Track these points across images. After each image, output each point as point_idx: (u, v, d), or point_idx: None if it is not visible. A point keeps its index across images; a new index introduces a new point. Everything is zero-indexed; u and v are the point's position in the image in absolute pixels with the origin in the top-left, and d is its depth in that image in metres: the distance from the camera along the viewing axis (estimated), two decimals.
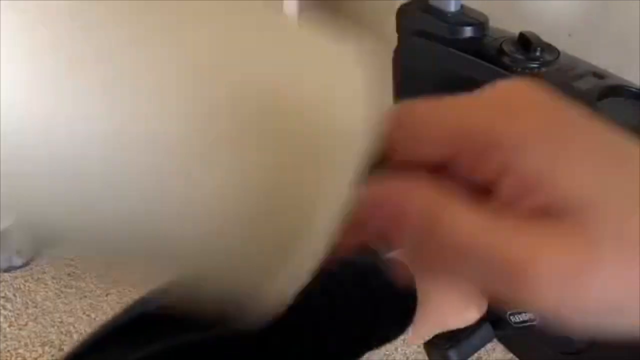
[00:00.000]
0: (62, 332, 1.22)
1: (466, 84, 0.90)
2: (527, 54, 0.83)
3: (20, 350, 1.20)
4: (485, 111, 0.17)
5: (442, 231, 0.16)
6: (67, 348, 1.20)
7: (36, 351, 1.20)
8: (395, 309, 0.38)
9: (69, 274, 1.34)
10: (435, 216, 0.16)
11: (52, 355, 1.19)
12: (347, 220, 0.16)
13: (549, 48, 0.84)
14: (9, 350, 1.20)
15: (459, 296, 0.45)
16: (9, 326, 1.24)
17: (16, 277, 1.33)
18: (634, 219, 0.16)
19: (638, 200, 0.16)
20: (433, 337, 0.59)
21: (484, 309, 0.48)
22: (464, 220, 0.16)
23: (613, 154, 0.17)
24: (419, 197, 0.17)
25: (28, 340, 1.22)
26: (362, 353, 0.36)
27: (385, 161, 0.18)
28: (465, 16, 0.91)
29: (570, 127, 0.17)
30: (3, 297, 1.29)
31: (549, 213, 0.16)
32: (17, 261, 1.34)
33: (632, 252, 0.15)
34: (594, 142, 0.17)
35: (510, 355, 1.13)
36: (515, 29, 0.87)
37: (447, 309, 0.45)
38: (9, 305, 1.28)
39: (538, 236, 0.16)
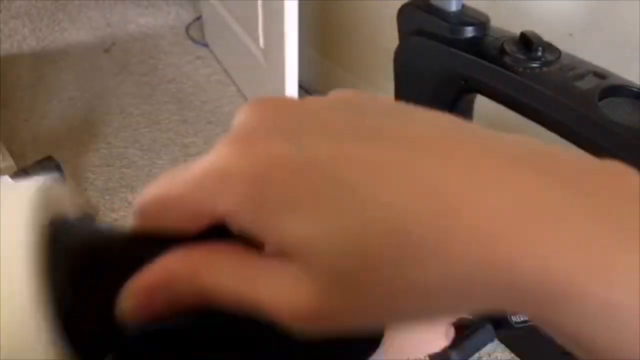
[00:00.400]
0: None
1: (467, 83, 0.90)
2: (528, 54, 0.83)
3: None
4: (202, 190, 0.18)
5: (208, 290, 0.18)
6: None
7: None
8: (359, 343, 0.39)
9: None
10: (200, 278, 0.18)
11: None
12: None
13: (550, 48, 0.84)
14: None
15: (426, 327, 0.46)
16: None
17: None
18: (351, 251, 0.16)
19: (353, 231, 0.16)
20: None
21: (451, 336, 0.50)
22: (224, 276, 0.18)
23: (320, 190, 0.17)
24: (182, 263, 0.18)
25: None
26: None
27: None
28: (466, 16, 0.90)
29: (269, 181, 0.17)
30: None
31: (286, 255, 0.17)
32: None
33: (360, 285, 0.16)
34: (296, 187, 0.17)
35: (511, 355, 1.13)
36: (516, 29, 0.87)
37: (415, 340, 0.46)
38: None
39: (274, 275, 0.17)
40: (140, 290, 0.18)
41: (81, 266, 0.19)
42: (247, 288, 0.17)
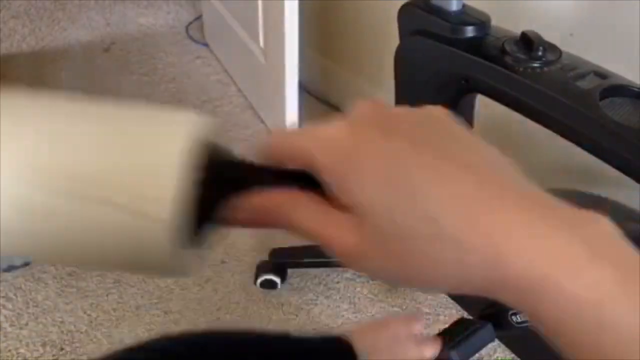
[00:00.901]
0: (62, 332, 1.22)
1: (468, 83, 0.90)
2: (529, 54, 0.82)
3: (22, 350, 1.20)
4: (313, 143, 0.27)
5: (293, 223, 0.27)
6: (68, 347, 1.20)
7: (37, 350, 1.20)
8: None
9: (69, 274, 1.34)
10: (288, 215, 0.27)
11: (54, 355, 1.19)
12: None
13: (550, 47, 0.84)
14: (9, 350, 1.20)
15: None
16: (10, 325, 1.24)
17: (17, 277, 1.33)
18: (397, 223, 0.24)
19: (405, 209, 0.24)
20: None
21: (434, 349, 0.53)
22: (304, 216, 0.27)
23: (393, 174, 0.24)
24: (274, 199, 0.28)
25: (29, 340, 1.22)
26: None
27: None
28: (466, 15, 0.90)
29: (361, 157, 0.25)
30: (4, 297, 1.29)
31: (350, 210, 0.25)
32: (18, 261, 1.34)
33: (392, 247, 0.24)
34: (377, 166, 0.25)
35: (512, 355, 1.13)
36: (517, 29, 0.87)
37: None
38: (9, 305, 1.28)
39: (337, 222, 0.26)
40: (251, 205, 0.28)
41: (216, 171, 0.29)
42: (318, 227, 0.26)
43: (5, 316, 1.26)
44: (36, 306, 1.28)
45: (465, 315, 1.03)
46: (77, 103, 0.29)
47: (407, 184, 0.24)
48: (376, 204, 0.24)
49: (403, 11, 0.96)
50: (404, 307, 1.24)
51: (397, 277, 0.25)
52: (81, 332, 1.22)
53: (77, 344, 1.20)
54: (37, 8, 2.29)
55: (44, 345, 1.21)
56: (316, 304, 1.27)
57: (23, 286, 1.32)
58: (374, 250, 0.25)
